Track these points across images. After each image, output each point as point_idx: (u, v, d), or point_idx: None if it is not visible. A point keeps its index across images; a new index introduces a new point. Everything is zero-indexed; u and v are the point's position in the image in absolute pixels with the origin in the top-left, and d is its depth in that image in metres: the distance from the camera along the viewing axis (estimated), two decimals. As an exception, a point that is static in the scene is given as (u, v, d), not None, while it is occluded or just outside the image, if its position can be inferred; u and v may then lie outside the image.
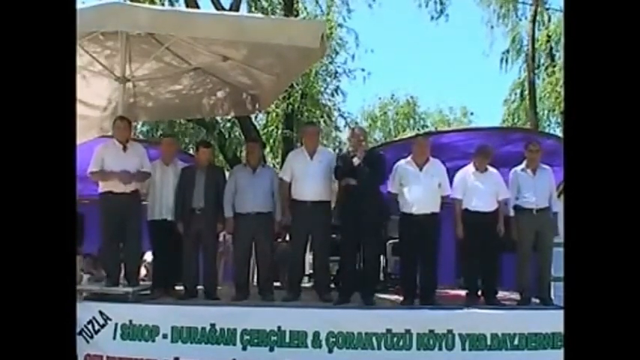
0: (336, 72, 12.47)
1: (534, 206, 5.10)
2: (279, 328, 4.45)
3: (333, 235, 5.22)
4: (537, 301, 5.09)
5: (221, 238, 5.80)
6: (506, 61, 15.88)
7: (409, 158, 5.10)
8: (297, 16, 11.08)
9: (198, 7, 9.84)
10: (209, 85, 6.42)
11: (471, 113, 23.07)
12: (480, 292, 5.11)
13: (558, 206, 5.11)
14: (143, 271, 5.58)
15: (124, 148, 4.96)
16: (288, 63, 5.33)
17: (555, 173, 5.31)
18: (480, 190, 5.08)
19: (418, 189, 4.94)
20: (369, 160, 4.91)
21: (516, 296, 5.20)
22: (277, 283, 5.63)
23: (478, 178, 5.13)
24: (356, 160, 4.87)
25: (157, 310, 4.65)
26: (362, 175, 4.83)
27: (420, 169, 5.01)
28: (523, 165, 5.24)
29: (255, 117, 11.63)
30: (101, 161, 4.89)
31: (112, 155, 4.93)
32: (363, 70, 12.73)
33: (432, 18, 13.73)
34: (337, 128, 13.35)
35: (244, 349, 4.44)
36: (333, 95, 12.64)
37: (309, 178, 5.02)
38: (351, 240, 4.96)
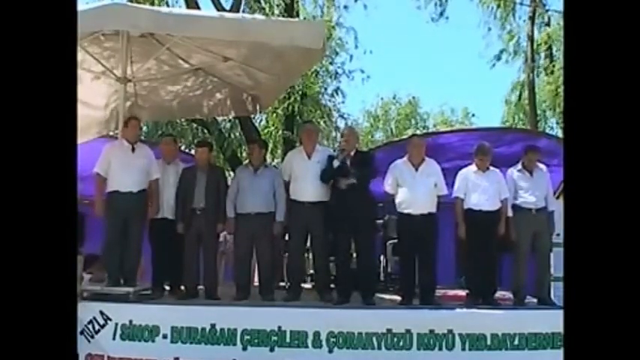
0: (337, 72, 12.49)
1: (533, 206, 5.12)
2: (279, 328, 4.45)
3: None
4: (535, 300, 5.10)
5: (222, 238, 5.81)
6: (506, 62, 15.89)
7: (405, 158, 5.11)
8: (297, 17, 11.08)
9: (198, 7, 9.84)
10: (209, 86, 6.42)
11: (472, 114, 23.20)
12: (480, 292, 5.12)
13: (554, 205, 5.13)
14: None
15: (133, 149, 4.98)
16: (289, 63, 5.33)
17: (552, 173, 5.33)
18: (482, 188, 5.09)
19: (415, 189, 4.96)
20: (357, 160, 4.92)
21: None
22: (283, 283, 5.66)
23: (480, 177, 5.14)
24: (335, 163, 4.89)
25: (157, 310, 4.66)
26: (348, 175, 4.85)
27: (416, 170, 5.03)
28: (519, 166, 5.25)
29: (254, 117, 11.63)
30: (108, 163, 4.91)
31: (120, 156, 4.95)
32: (362, 71, 12.77)
33: (432, 20, 13.73)
34: (337, 129, 13.37)
35: (245, 349, 4.45)
36: (333, 96, 12.67)
37: (308, 178, 5.03)
38: (343, 240, 4.98)
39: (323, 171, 4.97)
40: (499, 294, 5.13)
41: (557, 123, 15.99)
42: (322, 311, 4.69)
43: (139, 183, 4.94)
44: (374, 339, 4.45)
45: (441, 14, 13.54)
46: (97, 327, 4.47)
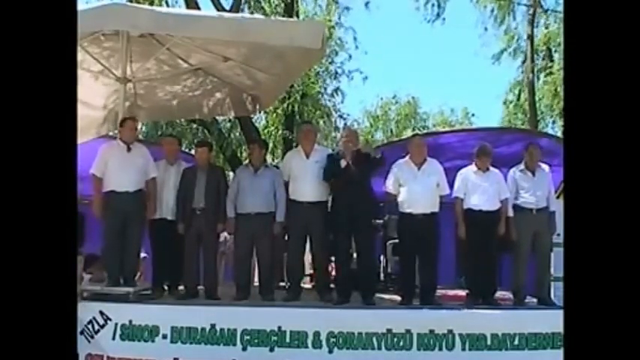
0: (336, 72, 12.51)
1: (534, 206, 5.12)
2: (279, 328, 4.45)
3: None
4: (535, 300, 5.10)
5: (222, 238, 5.80)
6: (506, 62, 15.90)
7: (407, 158, 5.11)
8: (297, 17, 11.09)
9: (198, 7, 9.84)
10: (209, 86, 6.43)
11: (472, 114, 23.24)
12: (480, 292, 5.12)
13: (556, 205, 5.13)
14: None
15: (129, 149, 4.97)
16: (289, 63, 5.34)
17: (553, 173, 5.33)
18: (482, 189, 5.09)
19: (416, 189, 4.96)
20: (358, 159, 4.91)
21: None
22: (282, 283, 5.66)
23: (480, 177, 5.14)
24: (343, 162, 4.89)
25: (157, 310, 4.65)
26: (349, 175, 4.84)
27: (418, 169, 5.03)
28: (522, 165, 5.25)
29: (254, 117, 11.64)
30: (104, 164, 4.91)
31: (116, 156, 4.94)
32: (361, 72, 12.79)
33: (428, 21, 13.69)
34: (337, 129, 13.38)
35: (244, 349, 4.44)
36: (332, 96, 12.68)
37: (306, 178, 5.03)
38: (343, 240, 4.97)
39: (326, 170, 4.96)
40: (499, 294, 5.13)
41: (555, 122, 16.00)
42: (322, 311, 4.69)
43: (136, 183, 4.93)
44: (374, 339, 4.45)
45: (438, 15, 13.48)
46: (96, 327, 4.46)
